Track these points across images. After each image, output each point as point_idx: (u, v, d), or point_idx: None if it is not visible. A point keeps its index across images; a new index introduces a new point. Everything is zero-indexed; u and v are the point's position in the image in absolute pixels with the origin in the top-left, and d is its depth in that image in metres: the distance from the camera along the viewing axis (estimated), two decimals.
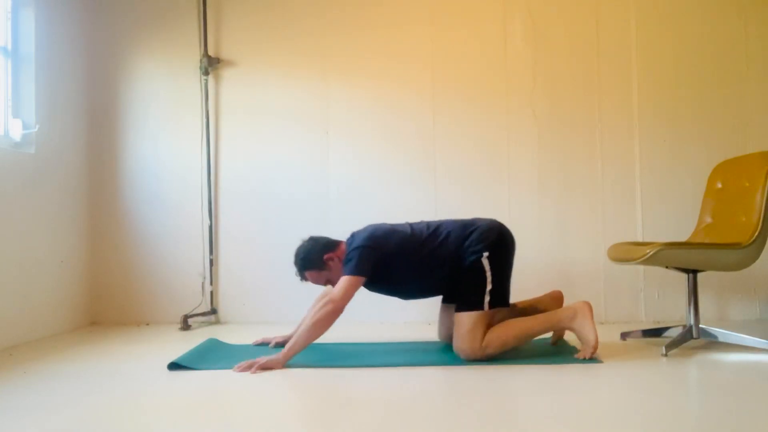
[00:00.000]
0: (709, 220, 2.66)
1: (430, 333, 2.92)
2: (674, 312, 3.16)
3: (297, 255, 2.47)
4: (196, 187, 3.38)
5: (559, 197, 3.27)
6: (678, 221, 3.13)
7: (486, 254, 2.30)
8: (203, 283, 3.34)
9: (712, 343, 2.48)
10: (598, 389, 1.89)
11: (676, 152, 3.23)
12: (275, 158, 3.37)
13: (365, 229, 2.44)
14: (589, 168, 3.26)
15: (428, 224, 2.46)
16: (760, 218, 2.31)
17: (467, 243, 2.33)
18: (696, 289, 2.45)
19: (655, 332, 2.65)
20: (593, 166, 3.26)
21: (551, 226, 3.25)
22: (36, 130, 2.92)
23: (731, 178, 2.59)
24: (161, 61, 3.44)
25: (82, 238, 3.33)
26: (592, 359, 2.21)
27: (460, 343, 2.26)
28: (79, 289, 3.27)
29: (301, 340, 2.19)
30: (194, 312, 3.23)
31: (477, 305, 2.28)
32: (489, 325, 2.28)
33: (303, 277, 2.49)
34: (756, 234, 2.30)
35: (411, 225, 2.47)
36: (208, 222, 3.36)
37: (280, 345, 2.47)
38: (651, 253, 2.30)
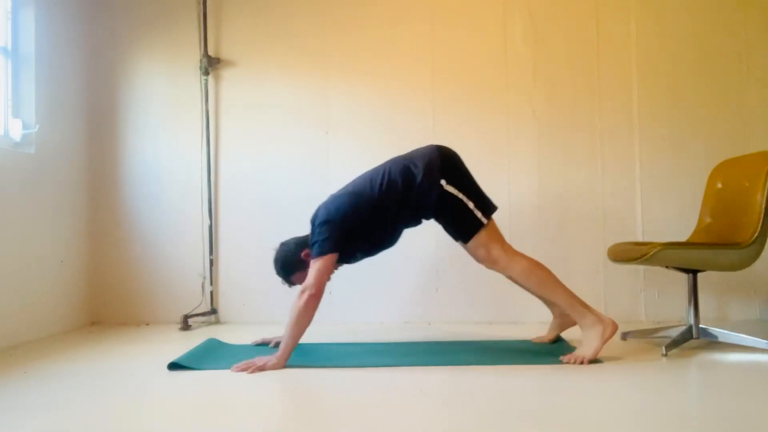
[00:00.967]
0: (709, 220, 2.66)
1: (431, 333, 2.92)
2: (674, 312, 3.16)
3: (276, 264, 2.46)
4: (196, 187, 3.38)
5: (559, 197, 3.27)
6: (678, 221, 3.13)
7: (443, 181, 2.28)
8: (203, 283, 3.34)
9: (712, 343, 2.48)
10: (598, 389, 1.89)
11: (676, 152, 3.23)
12: (275, 158, 3.37)
13: (324, 203, 2.41)
14: (589, 168, 3.26)
15: (371, 176, 2.39)
16: (760, 218, 2.31)
17: (419, 180, 2.28)
18: (696, 289, 2.45)
19: (655, 332, 2.65)
20: (593, 166, 3.26)
21: (551, 226, 3.25)
22: (36, 130, 2.92)
23: (731, 178, 2.59)
24: (161, 61, 3.44)
25: (82, 238, 3.33)
26: (594, 360, 2.21)
27: (489, 264, 2.33)
28: (79, 289, 3.27)
29: (290, 336, 2.18)
30: (194, 312, 3.23)
31: (475, 226, 2.29)
32: (498, 232, 2.32)
33: (290, 283, 2.48)
34: (756, 234, 2.30)
35: (363, 180, 2.41)
36: (208, 222, 3.36)
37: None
38: (651, 253, 2.30)
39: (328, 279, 2.30)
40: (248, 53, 3.41)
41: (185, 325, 3.12)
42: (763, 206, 2.31)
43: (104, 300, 3.38)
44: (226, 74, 3.41)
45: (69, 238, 3.20)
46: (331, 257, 2.26)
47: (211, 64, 3.36)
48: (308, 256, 2.38)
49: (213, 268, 3.35)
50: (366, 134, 3.34)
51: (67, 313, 3.16)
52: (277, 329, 2.75)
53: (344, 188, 2.46)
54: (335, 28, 3.37)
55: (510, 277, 2.41)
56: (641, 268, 3.19)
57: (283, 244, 2.50)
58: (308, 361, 2.27)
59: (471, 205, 2.29)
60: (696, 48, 3.25)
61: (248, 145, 3.39)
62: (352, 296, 3.23)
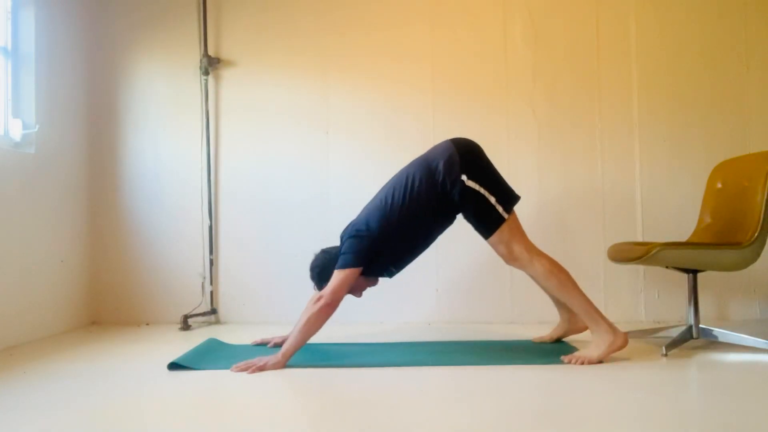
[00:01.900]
0: (709, 220, 2.66)
1: (430, 333, 2.92)
2: (674, 312, 3.16)
3: (313, 269, 2.45)
4: (196, 187, 3.38)
5: (559, 197, 3.27)
6: (678, 221, 3.13)
7: (464, 177, 2.26)
8: (203, 283, 3.34)
9: (712, 343, 2.48)
10: (598, 389, 1.89)
11: (676, 152, 3.23)
12: (275, 158, 3.37)
13: (354, 219, 2.42)
14: (589, 167, 3.26)
15: (394, 184, 2.38)
16: (760, 218, 2.31)
17: (441, 179, 2.27)
18: (696, 289, 2.45)
19: (655, 332, 2.65)
20: (593, 166, 3.26)
21: (551, 226, 3.25)
22: (36, 130, 2.92)
23: (731, 178, 2.59)
24: (161, 61, 3.44)
25: (82, 238, 3.33)
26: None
27: (510, 261, 2.32)
28: (79, 289, 3.27)
29: (297, 339, 2.19)
30: (194, 312, 3.23)
31: (496, 221, 2.27)
32: (519, 228, 2.30)
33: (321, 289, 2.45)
34: (756, 234, 2.30)
35: (384, 193, 2.41)
36: (208, 222, 3.36)
37: (279, 345, 2.46)
38: (651, 253, 2.30)
39: (348, 292, 2.33)
40: (248, 53, 3.41)
41: (185, 325, 3.12)
42: (763, 206, 2.31)
43: (104, 300, 3.38)
44: (226, 74, 3.41)
45: (69, 238, 3.20)
46: (353, 272, 2.26)
47: (211, 64, 3.36)
48: None
49: (213, 268, 3.35)
50: (366, 134, 3.34)
51: (67, 313, 3.16)
52: (277, 329, 2.76)
53: (371, 201, 2.46)
54: (335, 27, 3.37)
55: (531, 275, 2.39)
56: (641, 268, 3.19)
57: (324, 252, 2.49)
58: (308, 361, 2.27)
59: (493, 200, 2.26)
60: (696, 48, 3.25)
61: (248, 145, 3.39)
62: (350, 296, 3.23)
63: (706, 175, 2.77)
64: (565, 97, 3.28)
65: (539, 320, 3.09)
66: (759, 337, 2.33)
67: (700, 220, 2.70)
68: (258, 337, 2.70)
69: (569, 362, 2.17)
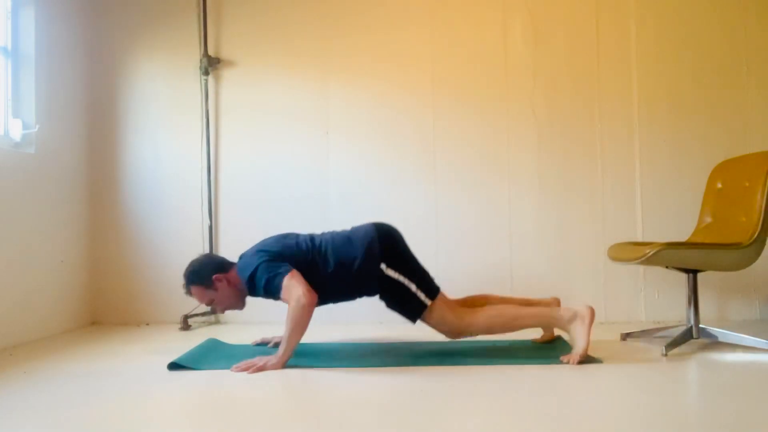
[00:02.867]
0: (709, 220, 2.66)
1: (430, 333, 2.92)
2: (674, 312, 3.16)
3: (187, 267, 2.40)
4: (196, 187, 3.38)
5: (559, 197, 3.26)
6: (678, 221, 3.13)
7: (383, 265, 2.25)
8: None
9: (712, 343, 2.48)
10: (598, 389, 1.89)
11: (676, 152, 3.23)
12: (275, 158, 3.37)
13: (256, 246, 2.40)
14: (589, 168, 3.26)
15: (306, 239, 2.37)
16: (760, 218, 2.31)
17: (358, 265, 2.25)
18: (696, 289, 2.45)
19: (655, 332, 2.65)
20: (593, 166, 3.26)
21: (551, 226, 3.25)
22: (36, 130, 2.92)
23: (731, 178, 2.59)
24: (161, 61, 3.44)
25: (82, 238, 3.33)
26: (594, 359, 2.21)
27: (449, 336, 2.33)
28: (79, 289, 3.27)
29: (291, 339, 2.16)
30: (194, 312, 3.23)
31: (419, 308, 2.27)
32: (448, 303, 2.31)
33: (188, 291, 2.42)
34: (756, 234, 2.30)
35: (295, 238, 2.40)
36: (208, 222, 3.36)
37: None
38: (651, 253, 2.30)
39: (233, 305, 2.40)
40: (248, 53, 3.40)
41: (185, 325, 3.12)
42: (763, 206, 2.31)
43: (104, 300, 3.38)
44: (226, 74, 3.41)
45: (69, 238, 3.20)
46: (295, 272, 2.21)
47: (211, 64, 3.36)
48: (218, 280, 2.35)
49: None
50: (366, 134, 3.34)
51: (67, 313, 3.16)
52: (278, 329, 2.75)
53: (290, 238, 2.43)
54: (335, 29, 3.37)
55: (479, 335, 2.38)
56: (641, 268, 3.19)
57: (207, 255, 2.50)
58: (308, 361, 2.27)
59: (413, 287, 2.27)
60: (696, 48, 3.25)
61: (248, 145, 3.39)
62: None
63: (706, 175, 2.77)
64: (565, 97, 3.28)
65: None
66: (759, 337, 2.33)
67: (700, 220, 2.70)
68: (258, 337, 2.70)
69: (567, 362, 2.18)
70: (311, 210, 3.34)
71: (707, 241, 2.55)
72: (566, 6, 3.31)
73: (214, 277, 2.36)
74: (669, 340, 2.37)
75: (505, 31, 3.32)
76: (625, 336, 2.67)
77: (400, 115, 3.33)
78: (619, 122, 3.26)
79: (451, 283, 3.25)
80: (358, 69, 3.36)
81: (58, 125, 3.13)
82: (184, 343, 2.64)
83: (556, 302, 2.51)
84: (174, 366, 2.18)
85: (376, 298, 2.37)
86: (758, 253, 2.34)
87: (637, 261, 2.37)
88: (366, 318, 3.22)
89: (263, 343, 2.62)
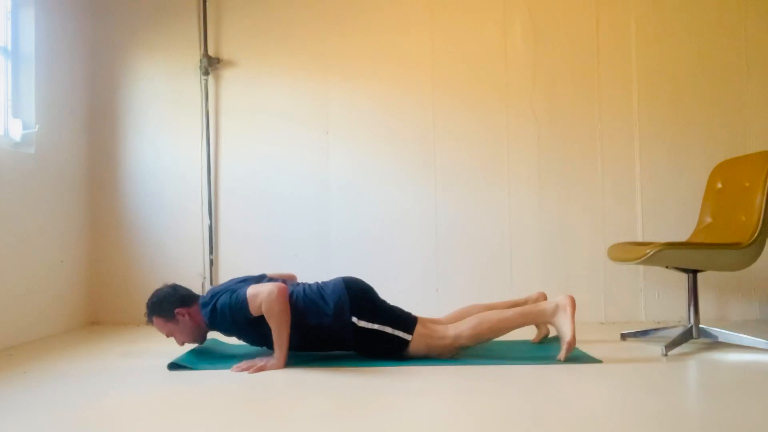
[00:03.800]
0: (709, 220, 2.66)
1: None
2: (674, 312, 3.16)
3: (151, 297, 2.38)
4: (196, 187, 3.38)
5: (559, 197, 3.27)
6: (678, 221, 3.13)
7: (354, 318, 2.24)
8: (203, 283, 3.34)
9: (712, 343, 2.48)
10: (598, 389, 1.89)
11: (676, 152, 3.23)
12: (275, 158, 3.37)
13: (216, 288, 2.39)
14: (589, 168, 3.26)
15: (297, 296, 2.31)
16: (760, 218, 2.31)
17: (329, 323, 2.24)
18: (696, 289, 2.45)
19: (655, 332, 2.65)
20: (593, 166, 3.26)
21: (551, 227, 3.25)
22: (36, 130, 2.92)
23: (731, 178, 2.59)
24: (161, 61, 3.44)
25: (82, 238, 3.33)
26: (594, 359, 2.21)
27: (434, 356, 2.28)
28: (79, 289, 3.27)
29: (281, 339, 2.16)
30: None
31: (401, 347, 2.26)
32: (426, 329, 2.28)
33: (149, 321, 2.39)
34: (756, 234, 2.31)
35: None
36: (208, 222, 3.36)
37: None
38: (651, 253, 2.30)
39: (186, 337, 2.37)
40: (248, 53, 3.40)
41: None
42: (763, 206, 2.31)
43: (104, 300, 3.38)
44: (226, 74, 3.41)
45: (69, 238, 3.20)
46: (254, 285, 2.22)
47: (211, 64, 3.36)
48: (180, 314, 2.32)
49: (213, 268, 3.35)
50: (366, 134, 3.34)
51: (67, 313, 3.16)
52: None
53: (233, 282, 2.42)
54: (336, 29, 3.37)
55: (470, 345, 2.36)
56: (641, 268, 3.19)
57: (173, 287, 2.40)
58: (309, 362, 2.27)
59: (389, 330, 2.25)
60: (696, 48, 3.25)
61: (248, 145, 3.39)
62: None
63: (706, 175, 2.77)
64: (565, 97, 3.28)
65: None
66: (759, 337, 2.34)
67: (700, 220, 2.70)
68: None
69: (561, 359, 2.19)
70: (311, 210, 3.34)
71: (707, 241, 2.55)
72: (566, 6, 3.31)
73: (177, 310, 2.33)
74: (669, 340, 2.37)
75: (505, 31, 3.32)
76: (625, 336, 2.67)
77: (400, 114, 3.33)
78: (619, 122, 3.26)
79: (451, 283, 3.27)
80: (358, 69, 3.36)
81: (58, 125, 3.13)
82: None
83: (543, 297, 2.55)
84: (174, 366, 2.18)
85: (383, 290, 2.36)
86: (758, 253, 2.34)
87: (637, 261, 2.37)
88: None
89: None
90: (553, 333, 2.62)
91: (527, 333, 2.79)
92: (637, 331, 2.69)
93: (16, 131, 2.85)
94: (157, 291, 2.39)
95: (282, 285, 2.18)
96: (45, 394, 1.89)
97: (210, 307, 2.26)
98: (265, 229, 3.36)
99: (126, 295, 3.37)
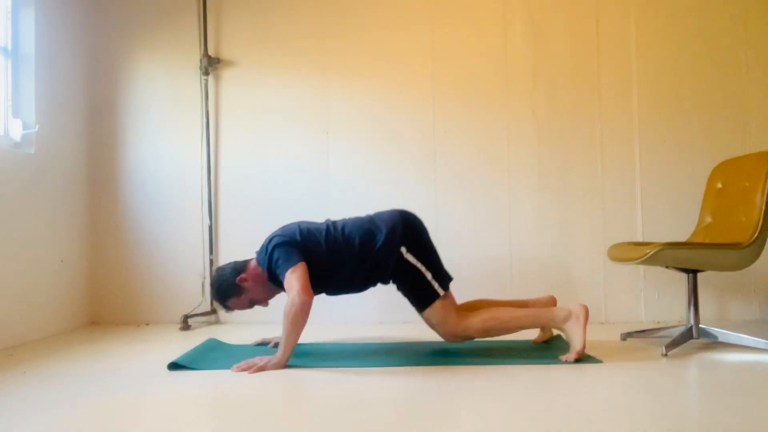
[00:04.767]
0: (709, 220, 2.66)
1: (431, 333, 2.92)
2: (674, 312, 3.16)
3: (211, 289, 2.43)
4: (196, 187, 3.38)
5: (559, 197, 3.27)
6: (678, 221, 3.13)
7: (403, 249, 2.29)
8: (203, 283, 3.34)
9: (712, 343, 2.48)
10: (598, 389, 1.89)
11: (676, 152, 3.23)
12: (275, 158, 3.37)
13: (274, 231, 2.43)
14: (589, 168, 3.26)
15: (328, 225, 2.41)
16: (760, 218, 2.31)
17: (379, 246, 2.29)
18: (696, 289, 2.45)
19: (655, 332, 2.65)
20: (593, 166, 3.26)
21: (551, 226, 3.25)
22: (36, 130, 2.92)
23: (731, 178, 2.59)
24: (161, 61, 3.44)
25: (82, 238, 3.33)
26: (594, 359, 2.22)
27: (441, 333, 2.36)
28: (79, 289, 3.27)
29: (289, 339, 2.17)
30: (194, 312, 3.23)
31: (431, 296, 2.31)
32: (453, 304, 2.34)
33: (228, 308, 2.44)
34: (756, 234, 2.30)
35: (319, 225, 2.43)
36: (208, 222, 3.36)
37: None
38: (651, 253, 2.30)
39: (257, 302, 2.40)
40: (248, 53, 3.41)
41: (185, 325, 3.12)
42: (763, 206, 2.31)
43: (104, 300, 3.38)
44: (226, 74, 3.41)
45: (69, 238, 3.20)
46: (302, 265, 2.23)
47: (211, 64, 3.36)
48: (243, 281, 2.37)
49: (213, 268, 3.35)
50: (366, 134, 3.34)
51: (67, 313, 3.16)
52: (278, 329, 2.75)
53: (314, 224, 2.46)
54: (335, 29, 3.37)
55: (476, 339, 2.41)
56: (641, 268, 3.19)
57: (219, 269, 2.46)
58: (308, 361, 2.27)
59: (429, 276, 2.31)
60: (696, 48, 3.25)
61: (248, 144, 3.39)
62: (351, 296, 3.23)
63: (706, 175, 2.77)
64: (565, 97, 3.28)
65: None
66: (759, 337, 2.33)
67: (700, 220, 2.70)
68: (258, 337, 2.70)
69: (566, 361, 2.19)
70: (311, 210, 3.33)
71: (707, 241, 2.55)
72: (566, 6, 3.31)
73: (237, 280, 2.38)
74: (669, 340, 2.37)
75: (505, 31, 3.32)
76: (625, 336, 2.67)
77: (400, 114, 3.34)
78: (619, 122, 3.26)
79: (451, 283, 3.27)
80: (358, 68, 3.37)
81: (58, 125, 3.13)
82: (184, 343, 2.65)
83: (552, 300, 2.54)
84: (174, 366, 2.18)
85: (383, 290, 2.38)
86: (758, 253, 2.34)
87: (637, 261, 2.37)
88: (366, 318, 3.23)
89: (263, 344, 2.62)
90: (555, 334, 2.62)
91: (528, 333, 2.79)
92: (637, 331, 2.69)
93: (16, 131, 2.85)
94: (211, 282, 2.45)
95: (307, 295, 2.16)
96: (45, 394, 1.89)
97: (266, 264, 2.32)
98: (265, 229, 3.32)
99: (126, 295, 3.37)
